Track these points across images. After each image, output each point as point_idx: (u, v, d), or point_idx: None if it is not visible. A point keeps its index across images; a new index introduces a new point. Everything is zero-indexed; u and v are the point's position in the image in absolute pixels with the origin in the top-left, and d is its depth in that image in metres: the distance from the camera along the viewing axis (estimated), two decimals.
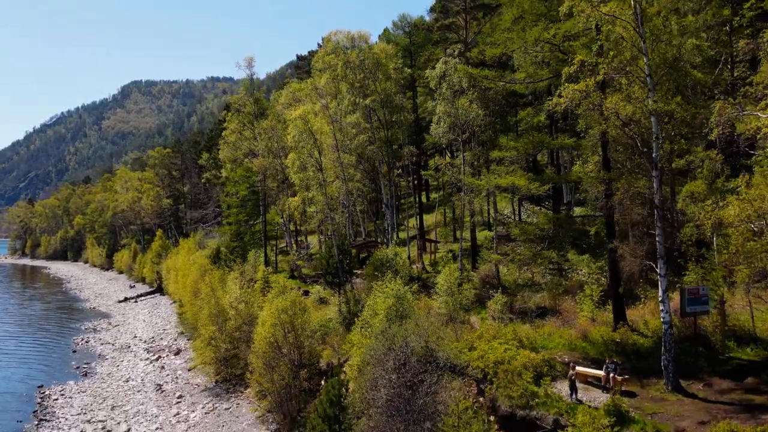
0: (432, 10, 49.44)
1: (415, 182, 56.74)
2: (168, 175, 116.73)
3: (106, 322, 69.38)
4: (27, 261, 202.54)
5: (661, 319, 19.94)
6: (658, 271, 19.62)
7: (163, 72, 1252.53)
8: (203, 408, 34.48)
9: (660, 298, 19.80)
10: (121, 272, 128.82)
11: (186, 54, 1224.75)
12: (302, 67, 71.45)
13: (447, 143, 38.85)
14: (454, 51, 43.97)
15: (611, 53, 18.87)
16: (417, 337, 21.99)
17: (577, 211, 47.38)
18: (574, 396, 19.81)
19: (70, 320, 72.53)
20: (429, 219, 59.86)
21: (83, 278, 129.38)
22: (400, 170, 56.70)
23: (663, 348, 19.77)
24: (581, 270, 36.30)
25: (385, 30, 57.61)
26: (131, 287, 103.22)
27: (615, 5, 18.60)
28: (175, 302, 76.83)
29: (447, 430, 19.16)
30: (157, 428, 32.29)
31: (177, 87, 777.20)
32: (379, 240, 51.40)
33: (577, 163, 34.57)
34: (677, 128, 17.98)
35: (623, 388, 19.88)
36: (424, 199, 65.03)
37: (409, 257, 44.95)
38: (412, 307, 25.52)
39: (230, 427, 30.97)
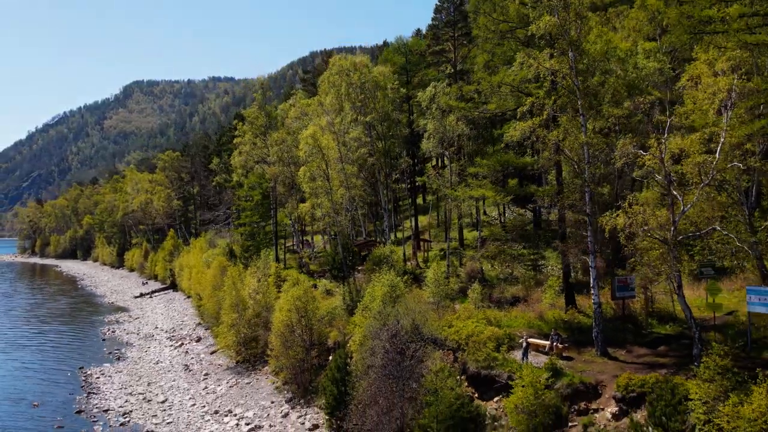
0: (425, 36, 55.24)
1: (411, 187, 62.63)
2: (178, 177, 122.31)
3: (126, 315, 75.32)
4: (37, 260, 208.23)
5: (592, 301, 25.91)
6: (590, 263, 25.58)
7: (165, 72, 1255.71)
8: (227, 383, 40.49)
9: (591, 285, 25.77)
10: (131, 270, 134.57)
11: (187, 54, 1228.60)
12: (308, 80, 77.37)
13: (437, 155, 44.80)
14: (445, 69, 50.14)
15: (552, 97, 24.79)
16: (406, 317, 27.98)
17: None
18: (525, 359, 25.70)
19: (93, 314, 78.54)
20: (424, 220, 65.81)
21: (96, 276, 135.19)
22: (398, 175, 62.66)
23: (594, 323, 25.73)
24: (552, 266, 42.27)
25: (385, 51, 63.45)
26: (144, 284, 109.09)
27: (555, 61, 24.46)
28: (188, 297, 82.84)
29: (428, 386, 25.18)
30: (189, 398, 38.31)
31: (179, 87, 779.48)
32: (378, 240, 57.34)
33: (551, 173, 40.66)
34: (599, 156, 23.82)
35: (564, 354, 25.79)
36: (420, 201, 70.90)
37: (404, 255, 50.88)
38: (403, 294, 31.47)
39: (252, 396, 36.97)
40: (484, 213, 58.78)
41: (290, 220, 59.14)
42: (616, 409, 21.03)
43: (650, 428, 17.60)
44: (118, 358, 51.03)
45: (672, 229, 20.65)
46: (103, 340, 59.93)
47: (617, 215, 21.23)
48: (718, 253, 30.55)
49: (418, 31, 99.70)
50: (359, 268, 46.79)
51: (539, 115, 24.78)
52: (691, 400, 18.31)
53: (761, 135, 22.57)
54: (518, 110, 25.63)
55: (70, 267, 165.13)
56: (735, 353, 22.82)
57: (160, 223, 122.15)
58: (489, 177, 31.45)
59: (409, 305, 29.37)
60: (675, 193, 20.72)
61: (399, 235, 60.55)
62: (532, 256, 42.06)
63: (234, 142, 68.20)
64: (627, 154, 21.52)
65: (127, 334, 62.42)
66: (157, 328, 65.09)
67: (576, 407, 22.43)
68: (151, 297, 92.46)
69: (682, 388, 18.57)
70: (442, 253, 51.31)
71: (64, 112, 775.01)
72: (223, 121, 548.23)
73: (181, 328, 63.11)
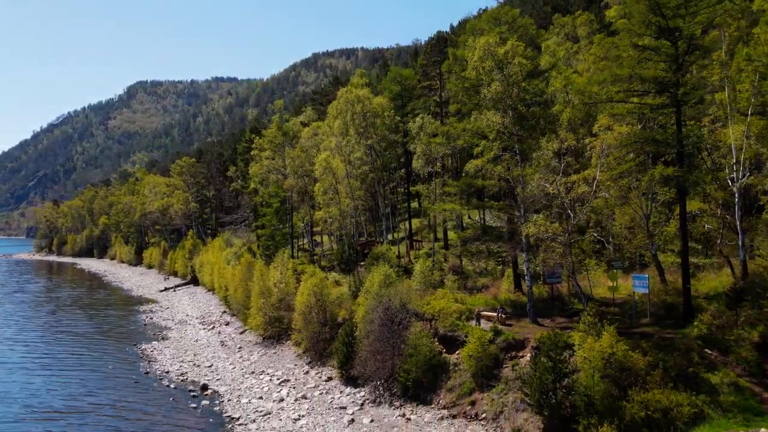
0: (416, 72, 65.92)
1: (407, 195, 73.37)
2: (194, 182, 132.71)
3: (157, 306, 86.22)
4: (54, 258, 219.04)
5: (526, 284, 36.68)
6: (524, 258, 36.34)
7: (168, 72, 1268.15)
8: (258, 353, 51.36)
9: (525, 273, 36.54)
10: (150, 267, 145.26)
11: (190, 54, 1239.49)
12: (316, 99, 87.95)
13: (425, 173, 55.71)
14: (432, 100, 60.89)
15: (497, 141, 35.47)
16: (396, 297, 38.84)
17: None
18: (478, 324, 36.42)
19: (128, 305, 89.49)
20: (417, 223, 76.59)
21: (117, 273, 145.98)
22: (396, 183, 73.28)
23: (528, 300, 36.50)
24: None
25: (383, 80, 74.09)
26: (165, 279, 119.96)
27: (497, 116, 35.14)
28: (209, 291, 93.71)
29: (410, 344, 36.01)
30: (230, 363, 49.19)
31: (182, 87, 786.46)
32: (377, 240, 68.08)
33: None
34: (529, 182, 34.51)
35: (506, 322, 36.45)
36: (416, 204, 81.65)
37: (398, 253, 61.58)
38: (395, 282, 42.26)
39: (279, 361, 47.83)
40: (468, 217, 69.54)
41: (303, 223, 69.98)
42: (531, 353, 31.80)
43: (542, 359, 28.31)
44: (163, 338, 61.87)
45: (567, 234, 31.37)
46: (145, 325, 70.81)
47: (528, 226, 31.99)
48: (625, 252, 41.72)
49: (416, 52, 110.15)
50: (361, 263, 57.54)
51: (488, 154, 35.55)
52: (572, 344, 29.14)
53: (634, 171, 33.27)
54: (474, 150, 36.42)
55: (90, 264, 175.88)
56: (619, 318, 33.88)
57: (178, 224, 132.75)
58: (458, 195, 42.09)
59: (399, 289, 40.24)
60: (569, 211, 31.42)
61: (396, 235, 71.27)
62: (503, 253, 52.84)
63: (251, 153, 79.12)
64: (539, 185, 32.26)
65: (164, 320, 73.30)
66: (188, 315, 75.93)
67: (509, 355, 33.18)
68: (174, 291, 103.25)
69: (563, 336, 29.43)
70: (431, 251, 62.15)
71: (69, 113, 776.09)
72: (226, 122, 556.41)
73: (210, 316, 73.91)
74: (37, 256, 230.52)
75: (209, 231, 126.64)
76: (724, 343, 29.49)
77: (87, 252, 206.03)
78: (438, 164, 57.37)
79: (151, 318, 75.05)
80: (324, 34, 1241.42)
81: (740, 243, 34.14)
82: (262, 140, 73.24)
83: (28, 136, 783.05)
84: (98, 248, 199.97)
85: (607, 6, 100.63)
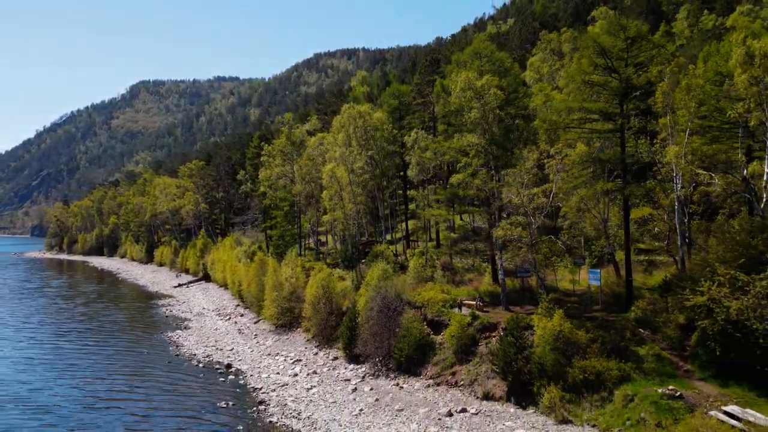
0: (411, 91, 73.26)
1: (404, 199, 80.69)
2: (204, 184, 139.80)
3: (174, 300, 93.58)
4: (65, 256, 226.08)
5: (500, 278, 43.94)
6: (498, 255, 43.58)
7: (170, 71, 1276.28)
8: (272, 339, 58.68)
9: (499, 267, 43.83)
10: (160, 265, 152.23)
11: (191, 53, 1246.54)
12: (321, 110, 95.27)
13: (418, 181, 63.11)
14: (426, 116, 68.25)
15: (475, 159, 42.74)
16: (392, 288, 46.14)
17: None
18: (459, 311, 43.65)
19: (146, 299, 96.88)
20: (413, 224, 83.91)
21: (130, 270, 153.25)
22: (393, 188, 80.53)
23: (502, 290, 43.77)
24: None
25: (383, 95, 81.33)
26: (177, 276, 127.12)
27: (476, 138, 42.40)
28: (221, 287, 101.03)
29: (404, 327, 43.29)
30: (248, 347, 56.51)
31: (184, 87, 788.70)
32: (376, 239, 75.37)
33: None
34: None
35: (484, 309, 43.69)
36: (413, 207, 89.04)
37: (396, 252, 68.85)
38: (391, 276, 49.54)
39: (291, 345, 55.15)
40: (461, 219, 76.87)
41: (309, 224, 77.32)
42: (500, 333, 39.08)
43: (507, 337, 35.60)
44: (185, 327, 69.21)
45: (530, 236, 38.71)
46: (166, 316, 78.16)
47: (497, 229, 39.37)
48: (594, 250, 48.92)
49: (414, 64, 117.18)
50: (362, 260, 64.82)
51: (469, 169, 42.90)
52: (532, 325, 36.46)
53: (588, 184, 40.55)
54: (457, 166, 43.66)
55: (101, 262, 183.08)
56: (576, 306, 41.25)
57: (189, 224, 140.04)
58: (444, 202, 49.40)
59: (394, 282, 47.57)
60: (531, 218, 38.73)
61: (394, 235, 78.63)
62: (487, 252, 60.07)
63: (261, 159, 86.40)
64: (507, 196, 39.63)
65: (183, 312, 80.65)
66: (204, 308, 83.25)
67: (484, 335, 40.42)
68: (188, 286, 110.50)
69: (525, 319, 36.83)
70: (424, 249, 69.49)
71: (72, 112, 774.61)
72: (229, 122, 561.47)
73: (224, 308, 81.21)
74: (49, 255, 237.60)
75: (218, 231, 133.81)
76: (654, 324, 36.81)
77: (97, 250, 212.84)
78: (431, 171, 64.73)
79: (171, 310, 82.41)
80: (325, 34, 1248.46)
81: (679, 243, 41.43)
82: (272, 148, 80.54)
83: (32, 135, 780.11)
84: (108, 247, 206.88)
85: (594, 20, 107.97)
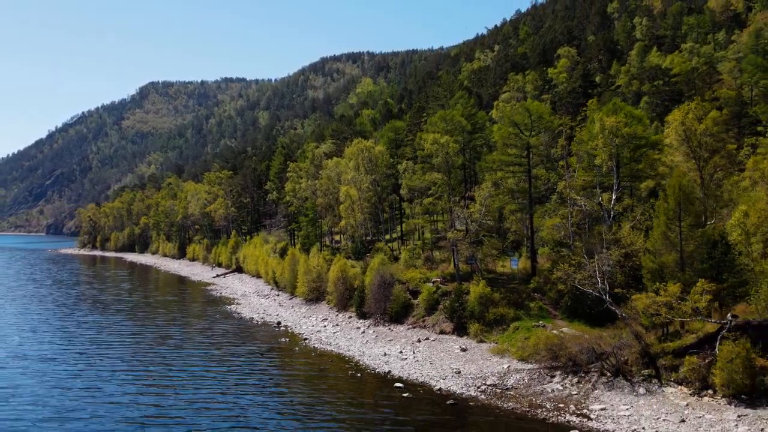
0: (406, 122, 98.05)
1: (399, 209, 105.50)
2: (231, 191, 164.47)
3: (217, 287, 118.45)
4: (98, 252, 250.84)
5: (454, 264, 68.68)
6: (453, 250, 68.28)
7: (178, 73, 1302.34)
8: (305, 308, 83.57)
9: (454, 259, 68.55)
10: (193, 260, 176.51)
11: (199, 55, 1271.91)
12: (335, 135, 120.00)
13: (408, 197, 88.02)
14: (416, 146, 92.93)
15: (439, 188, 67.28)
16: (387, 271, 71.09)
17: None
18: (431, 285, 68.18)
19: (193, 286, 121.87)
20: (407, 227, 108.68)
21: (166, 264, 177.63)
22: (391, 201, 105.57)
23: (456, 272, 68.54)
24: None
25: (383, 129, 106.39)
26: (212, 268, 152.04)
27: (439, 175, 66.98)
28: (253, 276, 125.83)
29: (394, 295, 68.16)
30: (289, 313, 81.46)
31: (192, 88, 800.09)
32: (378, 238, 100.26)
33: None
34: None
35: (444, 284, 68.29)
36: (408, 210, 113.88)
37: (392, 248, 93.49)
38: (387, 263, 74.31)
39: (319, 311, 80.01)
40: (443, 223, 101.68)
41: (327, 227, 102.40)
42: (452, 296, 63.73)
43: (454, 297, 60.34)
44: (237, 303, 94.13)
45: (468, 238, 63.60)
46: (218, 297, 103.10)
47: (449, 233, 64.21)
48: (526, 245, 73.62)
49: (414, 72, 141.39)
50: (368, 254, 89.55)
51: (436, 195, 67.67)
52: (468, 291, 61.31)
53: (509, 200, 65.21)
54: (429, 191, 68.48)
55: (137, 258, 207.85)
56: (504, 280, 66.26)
57: (219, 225, 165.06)
58: (422, 214, 74.28)
59: (390, 268, 72.44)
60: (468, 227, 63.54)
61: (393, 236, 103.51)
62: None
63: (287, 174, 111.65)
64: (455, 213, 64.44)
65: (230, 294, 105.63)
66: (245, 291, 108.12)
67: (443, 298, 65.02)
68: (224, 277, 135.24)
69: (465, 287, 61.65)
70: (414, 246, 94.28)
71: (83, 112, 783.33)
72: (239, 124, 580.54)
73: (262, 291, 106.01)
74: (83, 251, 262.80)
75: (244, 230, 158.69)
76: (544, 290, 61.53)
77: (129, 248, 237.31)
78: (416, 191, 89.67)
79: (219, 293, 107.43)
80: (330, 38, 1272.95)
81: (571, 240, 66.09)
82: (297, 166, 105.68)
83: (44, 136, 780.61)
84: (139, 244, 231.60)
85: (559, 57, 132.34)
